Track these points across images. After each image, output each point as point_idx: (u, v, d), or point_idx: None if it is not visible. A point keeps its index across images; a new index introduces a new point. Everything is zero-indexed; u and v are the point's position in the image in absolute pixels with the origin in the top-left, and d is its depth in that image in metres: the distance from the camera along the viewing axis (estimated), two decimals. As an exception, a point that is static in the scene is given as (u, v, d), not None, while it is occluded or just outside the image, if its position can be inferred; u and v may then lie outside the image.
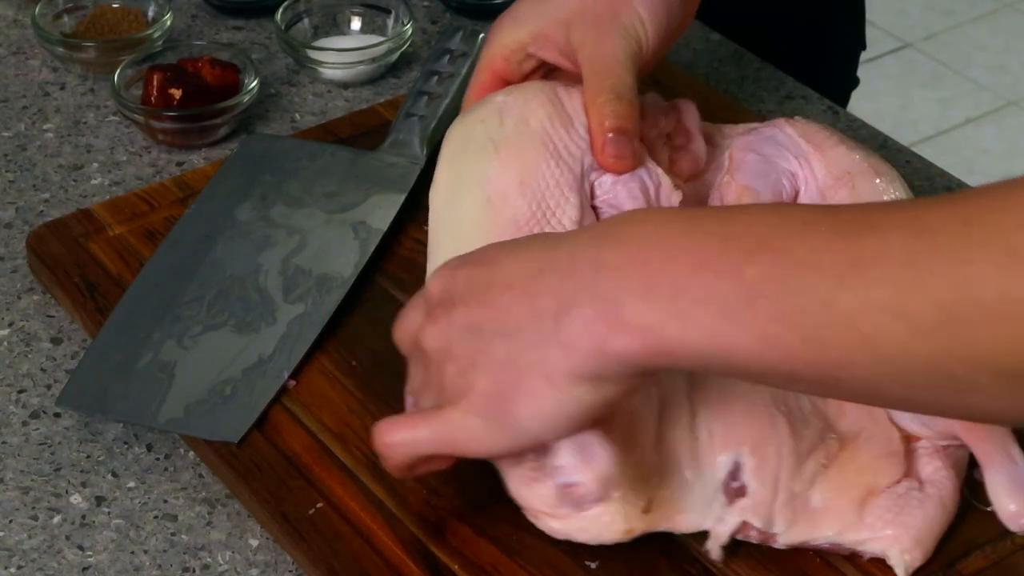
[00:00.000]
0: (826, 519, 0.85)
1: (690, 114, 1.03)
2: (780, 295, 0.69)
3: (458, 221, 0.93)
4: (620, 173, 0.94)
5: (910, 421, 0.87)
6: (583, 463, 0.80)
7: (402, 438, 0.82)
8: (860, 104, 1.56)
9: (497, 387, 0.78)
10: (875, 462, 0.86)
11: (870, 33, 1.54)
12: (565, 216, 0.92)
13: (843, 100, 1.47)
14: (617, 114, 0.95)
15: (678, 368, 0.76)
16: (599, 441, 0.80)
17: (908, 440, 0.87)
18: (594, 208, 0.94)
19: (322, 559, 0.86)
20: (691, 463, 0.85)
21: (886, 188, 0.98)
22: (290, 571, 0.88)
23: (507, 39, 1.00)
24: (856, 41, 1.50)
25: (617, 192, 0.94)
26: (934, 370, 0.66)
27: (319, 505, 0.89)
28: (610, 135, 0.94)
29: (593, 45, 0.97)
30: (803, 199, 0.99)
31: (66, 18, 1.27)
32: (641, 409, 0.84)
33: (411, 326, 0.83)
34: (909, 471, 0.87)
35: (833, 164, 0.99)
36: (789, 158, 0.99)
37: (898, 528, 0.84)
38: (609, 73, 0.96)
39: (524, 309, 0.76)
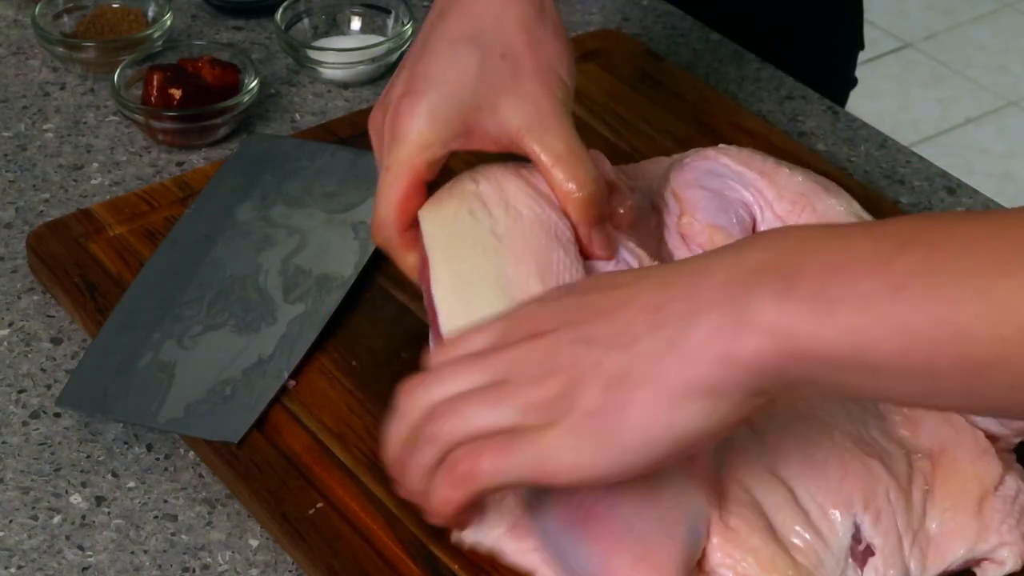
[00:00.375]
0: (952, 541, 0.83)
1: (602, 164, 0.97)
2: (930, 286, 0.65)
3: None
4: (608, 260, 0.91)
5: (988, 421, 0.87)
6: None
7: (488, 466, 0.73)
8: (860, 104, 1.56)
9: (604, 403, 0.71)
10: (974, 468, 0.85)
11: (870, 33, 1.54)
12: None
13: (842, 100, 1.47)
14: (596, 204, 0.90)
15: (809, 382, 0.69)
16: None
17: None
18: None
19: (322, 559, 0.86)
20: (813, 539, 0.82)
21: (844, 204, 0.98)
22: (290, 571, 0.88)
23: (426, 140, 0.89)
24: (855, 41, 1.50)
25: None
26: None
27: (319, 505, 0.89)
28: (595, 229, 0.90)
29: (540, 128, 0.90)
30: (761, 226, 0.98)
31: (66, 18, 1.27)
32: (746, 512, 0.82)
33: (487, 339, 0.76)
34: (1007, 467, 0.86)
35: (784, 188, 0.98)
36: (737, 188, 0.98)
37: None
38: (572, 159, 0.90)
39: (644, 320, 0.71)
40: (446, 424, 0.74)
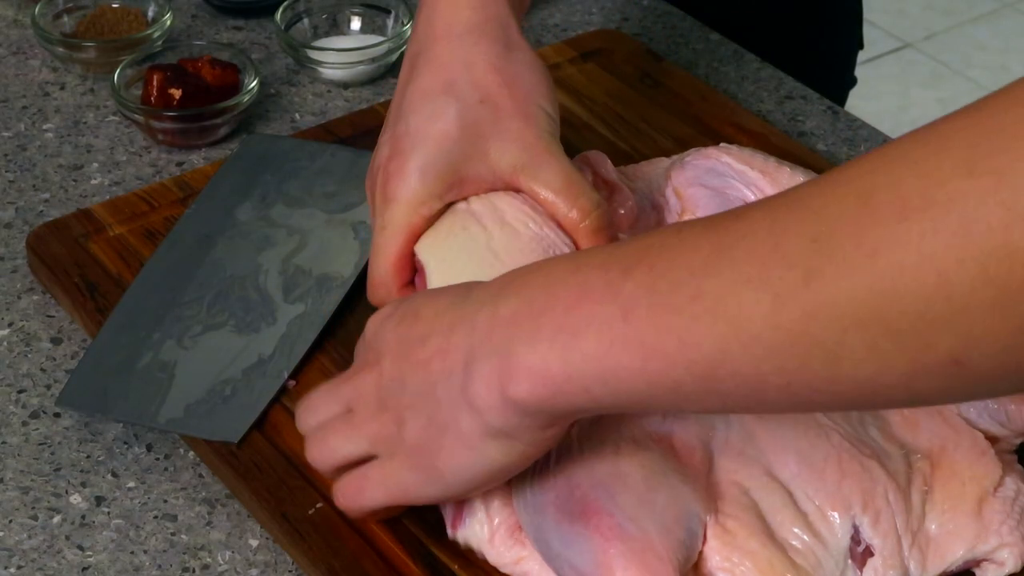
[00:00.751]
0: (952, 542, 0.84)
1: (604, 165, 1.00)
2: (653, 302, 0.69)
3: None
4: None
5: (989, 422, 0.87)
6: None
7: (359, 504, 0.83)
8: (860, 104, 1.56)
9: (423, 443, 0.78)
10: (973, 468, 0.85)
11: (870, 33, 1.54)
12: None
13: (842, 100, 1.47)
14: (604, 228, 0.92)
15: (583, 409, 0.74)
16: None
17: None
18: None
19: (322, 559, 0.86)
20: (811, 540, 0.82)
21: None
22: (290, 571, 0.88)
23: (420, 197, 0.91)
24: (854, 41, 1.50)
25: None
26: (802, 340, 0.65)
27: (319, 505, 0.89)
28: None
29: (533, 165, 0.91)
30: None
31: (66, 18, 1.27)
32: (743, 514, 0.82)
33: (353, 372, 0.83)
34: (1006, 468, 0.86)
35: (785, 188, 0.98)
36: (739, 187, 0.99)
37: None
38: (571, 190, 0.91)
39: (439, 365, 0.77)
40: (319, 455, 0.84)
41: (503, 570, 0.84)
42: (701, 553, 0.81)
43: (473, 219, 0.91)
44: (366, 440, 0.81)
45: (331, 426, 0.83)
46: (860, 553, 0.83)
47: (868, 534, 0.83)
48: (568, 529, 0.79)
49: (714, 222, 0.70)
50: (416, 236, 0.92)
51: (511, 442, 0.76)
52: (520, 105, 0.92)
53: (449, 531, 0.86)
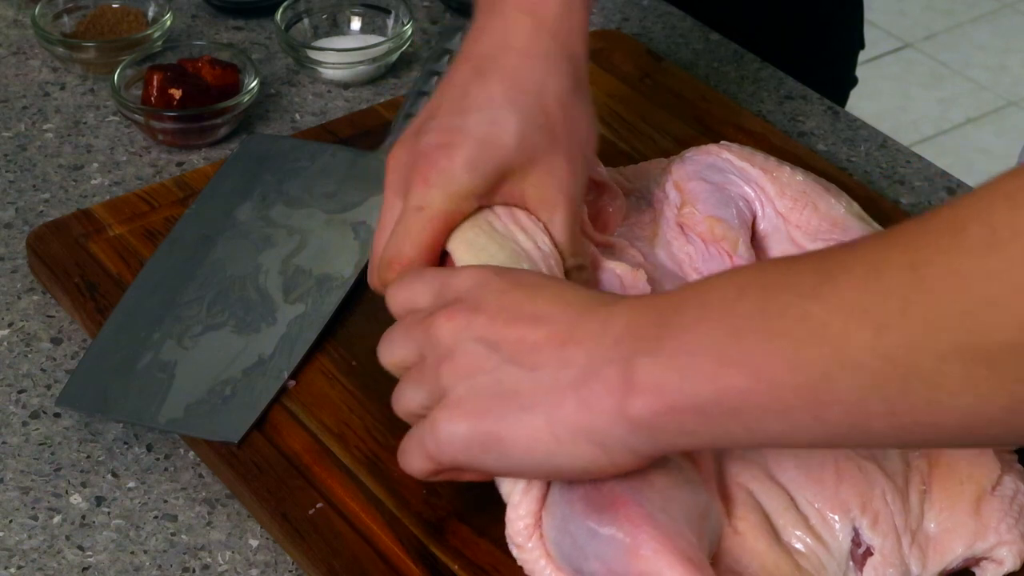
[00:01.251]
0: (951, 540, 0.84)
1: (599, 169, 1.01)
2: (763, 324, 0.70)
3: None
4: None
5: None
6: None
7: (412, 467, 0.81)
8: (860, 104, 1.56)
9: (492, 410, 0.77)
10: (971, 468, 0.85)
11: (870, 33, 1.54)
12: None
13: (842, 100, 1.47)
14: (573, 278, 0.93)
15: (687, 434, 0.74)
16: None
17: None
18: None
19: (322, 559, 0.86)
20: (814, 544, 0.83)
21: (844, 205, 0.99)
22: (290, 571, 0.88)
23: (466, 190, 0.90)
24: (855, 41, 1.50)
25: None
26: (902, 368, 0.67)
27: (319, 505, 0.89)
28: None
29: (551, 207, 0.92)
30: (761, 222, 0.99)
31: (66, 18, 1.27)
32: (751, 516, 0.82)
33: (420, 299, 0.82)
34: (1005, 467, 0.86)
35: (786, 186, 0.99)
36: (739, 184, 0.99)
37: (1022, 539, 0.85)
38: (568, 243, 0.92)
39: (551, 352, 0.76)
40: (396, 405, 0.82)
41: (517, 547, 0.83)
42: (714, 555, 0.81)
43: (497, 218, 0.91)
44: (426, 391, 0.80)
45: (407, 373, 0.82)
46: (861, 554, 0.83)
47: (868, 535, 0.83)
48: (596, 520, 0.78)
49: (823, 252, 0.72)
50: (452, 226, 0.91)
51: (598, 451, 0.76)
52: (571, 146, 0.92)
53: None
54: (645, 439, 0.75)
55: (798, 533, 0.82)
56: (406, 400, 0.81)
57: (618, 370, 0.74)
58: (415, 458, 0.80)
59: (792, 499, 0.83)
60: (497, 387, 0.77)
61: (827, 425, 0.71)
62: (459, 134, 0.90)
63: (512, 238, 0.90)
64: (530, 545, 0.81)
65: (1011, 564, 0.84)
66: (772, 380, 0.70)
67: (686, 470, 0.82)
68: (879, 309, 0.67)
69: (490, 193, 0.91)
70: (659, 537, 0.77)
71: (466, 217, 0.91)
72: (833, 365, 0.68)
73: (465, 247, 0.89)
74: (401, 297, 0.84)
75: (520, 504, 0.81)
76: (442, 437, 0.78)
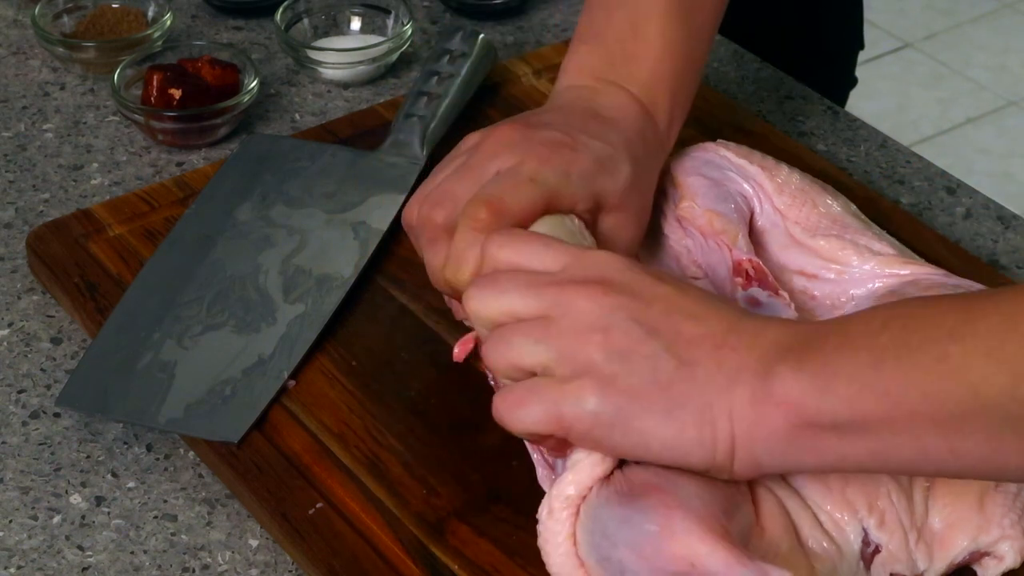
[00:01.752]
0: (955, 534, 0.84)
1: None
2: (902, 356, 0.74)
3: None
4: None
5: None
6: None
7: (516, 418, 0.79)
8: (860, 104, 1.56)
9: (642, 394, 0.77)
10: None
11: (870, 33, 1.54)
12: None
13: (842, 100, 1.47)
14: None
15: (817, 452, 0.77)
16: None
17: None
18: None
19: (322, 559, 0.86)
20: (828, 546, 0.83)
21: (842, 206, 0.99)
22: (290, 571, 0.88)
23: (572, 188, 0.91)
24: (855, 41, 1.50)
25: None
26: None
27: (319, 505, 0.89)
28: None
29: (611, 242, 0.94)
30: (759, 218, 0.99)
31: (66, 18, 1.27)
32: (776, 513, 0.83)
33: (543, 263, 0.82)
34: None
35: (784, 183, 0.99)
36: (737, 180, 0.99)
37: None
38: None
39: (707, 352, 0.78)
40: (494, 351, 0.81)
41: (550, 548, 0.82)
42: None
43: (574, 226, 0.92)
44: (553, 352, 0.78)
45: (522, 326, 0.80)
46: (869, 553, 0.83)
47: (875, 535, 0.83)
48: (628, 506, 0.78)
49: (964, 296, 0.77)
50: (545, 212, 0.90)
51: (728, 459, 0.78)
52: (645, 214, 0.96)
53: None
54: (776, 453, 0.77)
55: (815, 534, 0.83)
56: (522, 354, 0.79)
57: (764, 382, 0.76)
58: (534, 414, 0.79)
59: (805, 502, 0.84)
60: (652, 374, 0.77)
61: (961, 458, 0.74)
62: (583, 147, 0.92)
63: (582, 234, 0.91)
64: (564, 515, 0.80)
65: (1011, 560, 0.84)
66: (909, 410, 0.73)
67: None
68: (1015, 359, 0.71)
69: (576, 210, 0.91)
70: (692, 518, 0.77)
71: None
72: (970, 404, 0.72)
73: (546, 229, 0.90)
74: (517, 255, 0.83)
75: (582, 472, 0.80)
76: (585, 407, 0.77)
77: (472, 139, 0.94)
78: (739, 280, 0.94)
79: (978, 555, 0.85)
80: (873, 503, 0.83)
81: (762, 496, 0.83)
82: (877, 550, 0.83)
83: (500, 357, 0.80)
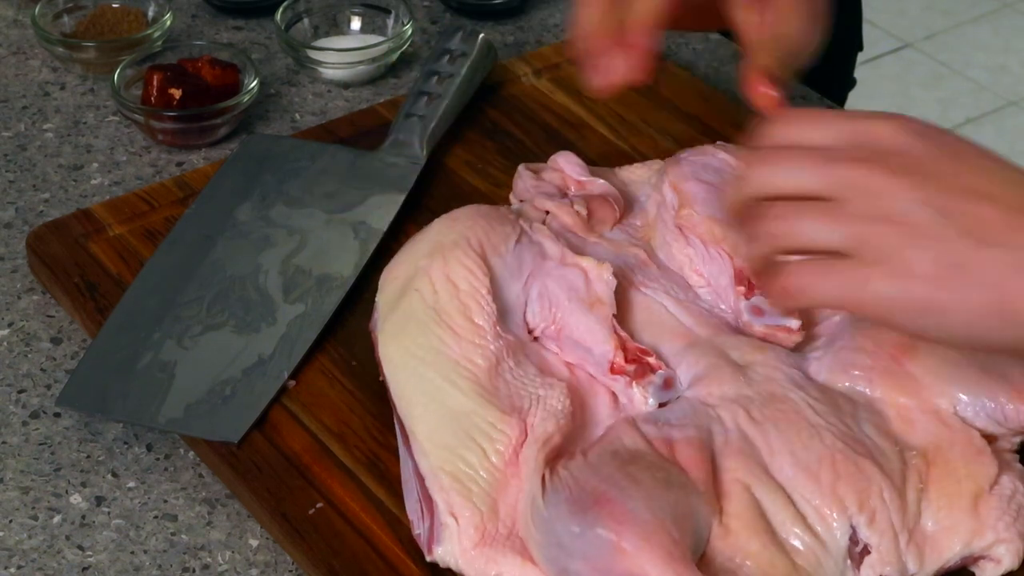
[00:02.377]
0: (949, 538, 0.84)
1: (570, 162, 1.03)
2: None
3: (436, 388, 0.89)
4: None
5: (986, 421, 0.87)
6: None
7: (810, 293, 0.79)
8: (859, 104, 1.55)
9: (936, 278, 0.77)
10: (969, 466, 0.85)
11: (870, 33, 1.54)
12: (522, 363, 0.90)
13: (841, 100, 1.47)
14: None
15: None
16: None
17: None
18: (536, 339, 0.94)
19: (322, 559, 0.86)
20: (811, 541, 0.83)
21: None
22: (290, 571, 0.88)
23: None
24: (854, 42, 1.50)
25: (553, 305, 0.93)
26: None
27: (319, 505, 0.89)
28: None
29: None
30: None
31: (66, 18, 1.27)
32: (746, 513, 0.83)
33: (823, 138, 0.81)
34: (1003, 466, 0.86)
35: None
36: None
37: (1021, 537, 0.85)
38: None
39: (1003, 232, 0.76)
40: (776, 228, 0.79)
41: None
42: (705, 554, 0.81)
43: (423, 276, 0.94)
44: (844, 236, 0.78)
45: (813, 206, 0.79)
46: (858, 553, 0.83)
47: (865, 533, 0.83)
48: (580, 519, 0.79)
49: None
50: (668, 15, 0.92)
51: (1016, 331, 0.76)
52: None
53: (426, 555, 0.85)
54: None
55: (796, 531, 0.82)
56: (809, 234, 0.79)
57: None
58: (832, 292, 0.78)
59: (789, 497, 0.83)
60: (947, 257, 0.76)
61: None
62: None
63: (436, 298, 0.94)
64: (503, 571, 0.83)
65: (1009, 563, 0.84)
66: None
67: (672, 471, 0.82)
68: None
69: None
70: (642, 535, 0.77)
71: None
72: None
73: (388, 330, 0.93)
74: (799, 132, 0.81)
75: (465, 534, 0.83)
76: (884, 293, 0.77)
77: None
78: (741, 289, 0.94)
79: (972, 559, 0.85)
80: (864, 501, 0.83)
81: (732, 492, 0.83)
82: (867, 550, 0.83)
83: (790, 233, 0.79)
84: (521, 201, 1.04)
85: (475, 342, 0.90)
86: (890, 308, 0.77)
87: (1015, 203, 0.77)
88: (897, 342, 0.89)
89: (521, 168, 1.05)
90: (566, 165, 1.03)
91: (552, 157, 1.04)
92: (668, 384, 0.89)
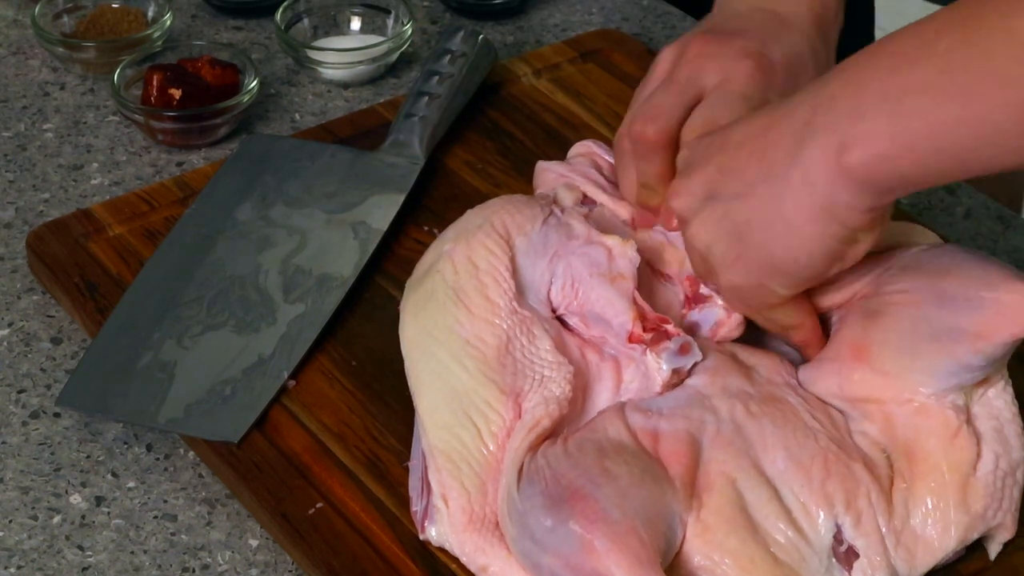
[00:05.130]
0: (943, 538, 0.84)
1: (600, 146, 1.03)
2: (968, 52, 0.74)
3: (444, 366, 0.89)
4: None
5: (957, 380, 0.86)
6: None
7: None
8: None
9: (743, 249, 0.84)
10: (949, 455, 0.85)
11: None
12: (537, 338, 0.90)
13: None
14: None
15: (903, 180, 0.78)
16: None
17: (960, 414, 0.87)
18: (559, 319, 0.93)
19: (322, 559, 0.86)
20: (795, 536, 0.83)
21: None
22: (290, 571, 0.88)
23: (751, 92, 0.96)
24: (866, 44, 1.50)
25: (576, 281, 0.93)
26: None
27: (319, 505, 0.89)
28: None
29: None
30: None
31: (66, 18, 1.27)
32: (726, 507, 0.83)
33: (684, 189, 0.88)
34: (979, 439, 0.86)
35: None
36: None
37: (1014, 510, 0.86)
38: None
39: (756, 166, 0.82)
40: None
41: (470, 568, 0.85)
42: (682, 552, 0.82)
43: (446, 259, 0.94)
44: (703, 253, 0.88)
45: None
46: (844, 553, 0.83)
47: (851, 535, 0.83)
48: (553, 514, 0.80)
49: None
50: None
51: (834, 222, 0.80)
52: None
53: (419, 533, 0.86)
54: (868, 194, 0.79)
55: (780, 525, 0.83)
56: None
57: (823, 139, 0.78)
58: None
59: (776, 491, 0.84)
60: (736, 228, 0.84)
61: None
62: (776, 55, 0.96)
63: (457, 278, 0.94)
64: (491, 562, 0.84)
65: (1005, 537, 0.86)
66: (983, 102, 0.73)
67: (650, 465, 0.83)
68: None
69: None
70: (612, 535, 0.79)
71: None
72: None
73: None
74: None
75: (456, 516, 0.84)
76: (734, 293, 0.88)
77: (668, 54, 0.98)
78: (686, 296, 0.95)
79: (961, 552, 0.85)
80: (851, 501, 0.83)
81: (716, 487, 0.83)
82: (854, 552, 0.83)
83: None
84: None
85: (488, 319, 0.89)
86: (746, 294, 0.87)
87: (757, 145, 0.83)
88: (851, 345, 0.88)
89: (541, 163, 1.03)
90: (596, 148, 1.03)
91: (576, 145, 1.04)
92: (684, 349, 0.89)
